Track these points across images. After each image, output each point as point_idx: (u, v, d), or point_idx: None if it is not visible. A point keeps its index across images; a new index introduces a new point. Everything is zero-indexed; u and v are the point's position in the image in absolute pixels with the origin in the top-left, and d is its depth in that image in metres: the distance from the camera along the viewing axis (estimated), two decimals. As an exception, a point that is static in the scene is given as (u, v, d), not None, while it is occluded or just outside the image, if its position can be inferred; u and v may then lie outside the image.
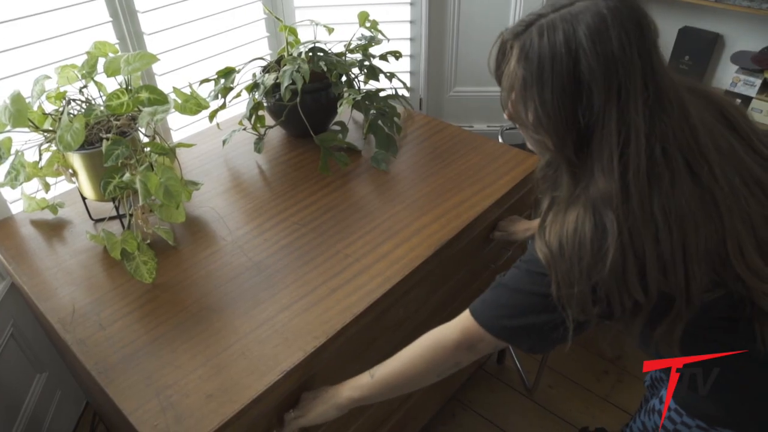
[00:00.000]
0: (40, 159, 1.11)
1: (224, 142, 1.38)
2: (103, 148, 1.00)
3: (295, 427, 0.89)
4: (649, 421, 0.93)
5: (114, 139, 1.01)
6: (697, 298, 0.64)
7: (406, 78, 1.96)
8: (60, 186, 1.23)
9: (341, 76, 1.38)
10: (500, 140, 1.95)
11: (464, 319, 0.81)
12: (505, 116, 0.75)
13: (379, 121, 1.37)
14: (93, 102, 1.11)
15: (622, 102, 0.63)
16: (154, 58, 1.05)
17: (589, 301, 0.65)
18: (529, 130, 0.71)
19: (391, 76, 1.47)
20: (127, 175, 1.02)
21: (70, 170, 1.10)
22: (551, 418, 1.58)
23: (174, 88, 1.12)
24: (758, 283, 0.65)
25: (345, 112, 1.43)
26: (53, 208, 1.18)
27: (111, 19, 1.31)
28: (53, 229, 1.17)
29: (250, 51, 1.60)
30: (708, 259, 0.63)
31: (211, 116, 1.39)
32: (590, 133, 0.65)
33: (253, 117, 1.37)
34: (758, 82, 1.80)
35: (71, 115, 1.04)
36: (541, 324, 0.73)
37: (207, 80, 1.36)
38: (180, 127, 1.56)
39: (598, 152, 0.64)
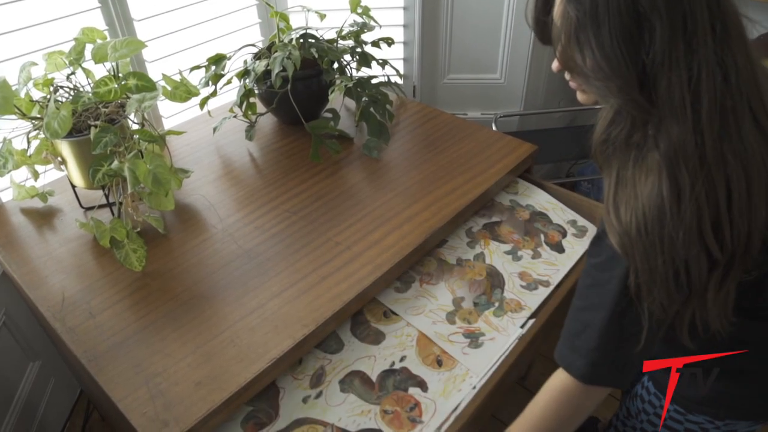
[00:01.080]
0: (29, 147, 1.10)
1: (215, 129, 1.37)
2: (92, 136, 1.00)
3: None
4: (633, 406, 0.94)
5: (102, 126, 1.01)
6: (755, 251, 0.60)
7: (400, 65, 1.95)
8: (50, 174, 1.22)
9: (333, 62, 1.36)
10: (494, 128, 1.94)
11: None
12: (554, 68, 0.69)
13: (371, 109, 1.36)
14: (81, 89, 1.10)
15: (689, 33, 0.57)
16: (141, 45, 1.04)
17: (673, 284, 0.60)
18: (589, 77, 0.63)
19: (383, 63, 1.46)
20: (115, 163, 1.02)
21: (59, 158, 1.10)
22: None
23: (164, 74, 1.12)
24: None
25: (337, 100, 1.42)
26: (43, 196, 1.18)
27: (99, 4, 1.30)
28: (43, 217, 1.16)
29: (241, 37, 1.59)
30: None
31: (202, 103, 1.38)
32: (655, 73, 0.58)
33: (244, 104, 1.36)
34: (753, 69, 1.79)
35: (58, 102, 1.03)
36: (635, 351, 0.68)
37: (198, 67, 1.35)
38: (171, 114, 1.54)
39: (668, 95, 0.58)
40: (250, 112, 1.38)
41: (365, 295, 0.99)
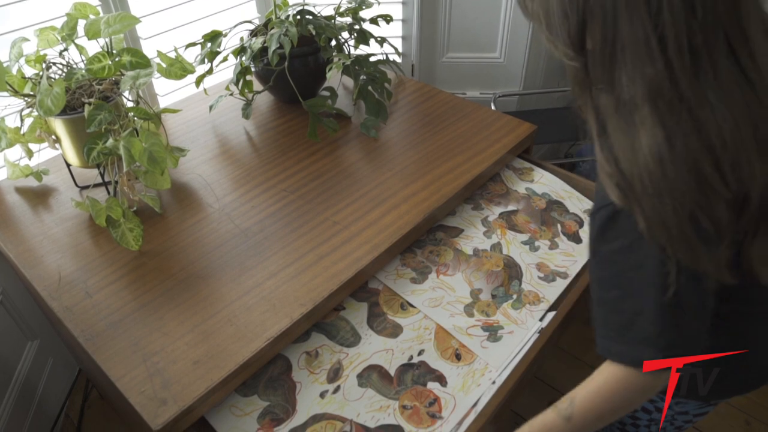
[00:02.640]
0: (22, 125, 1.09)
1: (211, 107, 1.36)
2: (86, 114, 0.98)
3: None
4: None
5: (96, 104, 0.99)
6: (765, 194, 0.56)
7: (398, 43, 1.92)
8: (44, 153, 1.21)
9: (330, 40, 1.35)
10: (493, 107, 1.93)
11: None
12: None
13: (369, 87, 1.34)
14: (74, 66, 1.08)
15: None
16: (135, 20, 1.02)
17: (693, 233, 0.57)
18: (546, 32, 0.62)
19: (382, 40, 1.44)
20: (110, 141, 1.00)
21: (53, 136, 1.08)
22: (539, 384, 1.61)
23: (158, 51, 1.10)
24: None
25: (334, 78, 1.40)
26: (38, 175, 1.16)
27: (92, -21, 1.27)
28: (38, 196, 1.15)
29: (237, 14, 1.56)
30: (760, 147, 0.56)
31: (198, 81, 1.36)
32: (615, 19, 0.55)
33: (241, 82, 1.34)
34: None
35: (51, 79, 1.01)
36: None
37: (193, 44, 1.33)
38: (167, 92, 1.53)
39: (631, 38, 0.55)
40: (246, 90, 1.36)
41: (363, 275, 0.98)
